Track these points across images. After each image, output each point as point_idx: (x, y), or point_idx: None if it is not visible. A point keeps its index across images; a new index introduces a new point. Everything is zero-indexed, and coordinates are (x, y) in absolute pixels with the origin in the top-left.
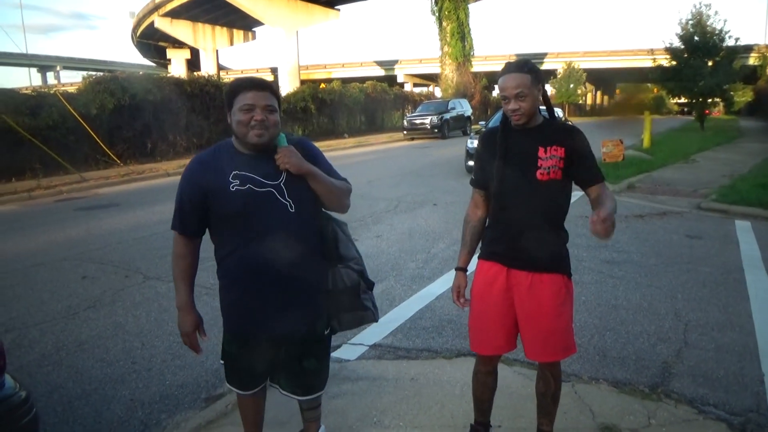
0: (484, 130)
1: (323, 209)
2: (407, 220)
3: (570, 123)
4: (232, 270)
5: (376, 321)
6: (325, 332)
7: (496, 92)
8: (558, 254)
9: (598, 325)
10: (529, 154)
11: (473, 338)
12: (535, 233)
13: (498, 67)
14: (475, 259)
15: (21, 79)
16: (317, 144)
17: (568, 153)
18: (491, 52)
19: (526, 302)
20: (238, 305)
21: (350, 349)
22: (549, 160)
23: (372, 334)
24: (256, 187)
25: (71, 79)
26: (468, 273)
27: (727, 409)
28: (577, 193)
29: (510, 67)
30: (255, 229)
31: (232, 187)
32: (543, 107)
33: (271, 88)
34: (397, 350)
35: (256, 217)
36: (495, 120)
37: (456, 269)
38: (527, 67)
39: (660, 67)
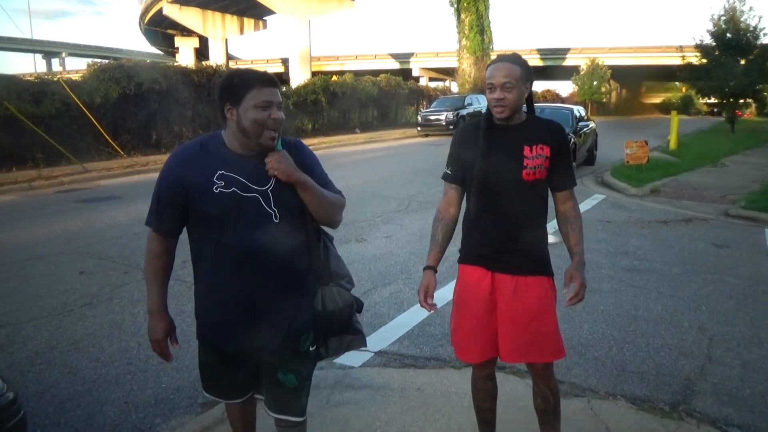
0: (465, 123)
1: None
2: (419, 220)
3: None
4: (206, 276)
5: (365, 346)
6: (310, 348)
7: None
8: (542, 256)
9: (617, 337)
10: (514, 152)
11: (460, 346)
12: (519, 235)
13: None
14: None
15: (25, 65)
16: (328, 138)
17: (554, 152)
18: (511, 46)
19: (511, 306)
20: (211, 314)
21: (354, 355)
22: (535, 159)
23: (378, 340)
24: (242, 191)
25: (77, 66)
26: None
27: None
28: (598, 196)
29: (501, 57)
30: (234, 235)
31: (216, 189)
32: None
33: (278, 83)
34: (404, 358)
35: (237, 224)
36: None
37: (425, 268)
38: (519, 61)
39: (689, 65)
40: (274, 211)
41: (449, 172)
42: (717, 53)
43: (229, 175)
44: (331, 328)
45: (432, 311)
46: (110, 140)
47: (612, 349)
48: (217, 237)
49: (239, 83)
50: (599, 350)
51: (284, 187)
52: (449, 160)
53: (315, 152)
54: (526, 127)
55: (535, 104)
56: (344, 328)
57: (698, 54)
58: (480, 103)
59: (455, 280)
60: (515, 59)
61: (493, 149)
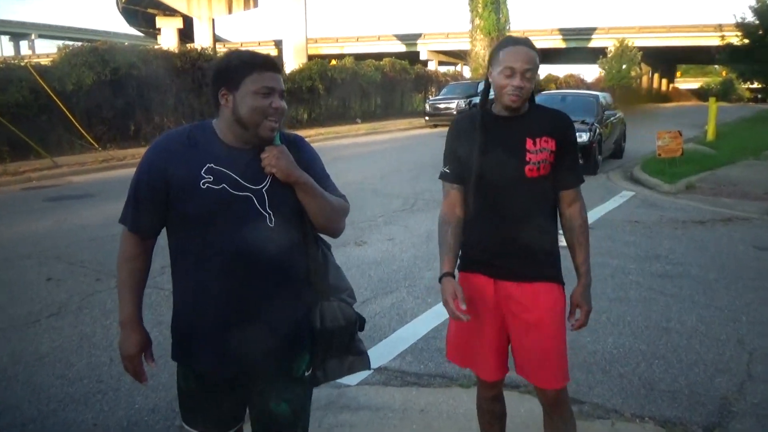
0: (460, 115)
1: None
2: (425, 220)
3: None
4: (186, 287)
5: (369, 369)
6: (305, 374)
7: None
8: (550, 260)
9: (646, 352)
10: (515, 146)
11: (462, 359)
12: (524, 237)
13: (538, 43)
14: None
15: None
16: (325, 130)
17: (559, 145)
18: (531, 25)
19: (519, 317)
20: (190, 334)
21: None
22: (539, 153)
23: (377, 355)
24: (233, 189)
25: (48, 50)
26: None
27: None
28: (626, 194)
29: (517, 40)
30: (222, 239)
31: (203, 183)
32: None
33: (279, 66)
34: (406, 375)
35: (226, 226)
36: None
37: (443, 276)
38: (534, 47)
39: (729, 47)
40: (269, 213)
41: (447, 170)
42: (761, 32)
43: (219, 170)
44: (330, 348)
45: (468, 317)
46: (83, 132)
47: (640, 365)
48: (201, 239)
49: (238, 66)
50: (625, 366)
51: (281, 187)
52: (446, 157)
53: (312, 145)
54: (528, 118)
55: (556, 91)
56: (346, 348)
57: (739, 33)
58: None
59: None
60: (531, 44)
61: (492, 143)
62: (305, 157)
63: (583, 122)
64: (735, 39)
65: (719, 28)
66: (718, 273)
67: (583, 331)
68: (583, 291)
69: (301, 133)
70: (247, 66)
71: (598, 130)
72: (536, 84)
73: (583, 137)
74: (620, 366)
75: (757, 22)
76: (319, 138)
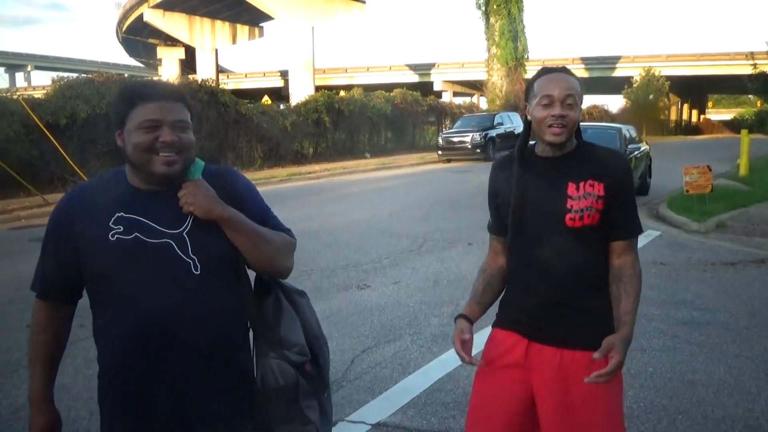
0: (500, 155)
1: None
2: (433, 262)
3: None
4: (108, 354)
5: None
6: None
7: None
8: (599, 324)
9: (668, 406)
10: (555, 191)
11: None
12: (566, 296)
13: None
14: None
15: None
16: (332, 165)
17: (609, 190)
18: (550, 55)
19: (555, 388)
20: (117, 405)
21: (348, 428)
22: (583, 200)
23: (377, 409)
24: (147, 236)
25: (44, 82)
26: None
27: None
28: (652, 233)
29: (556, 69)
30: (141, 295)
31: (112, 235)
32: None
33: (182, 96)
34: (407, 431)
35: (143, 279)
36: None
37: (458, 316)
38: (575, 75)
39: (763, 75)
40: (192, 259)
41: (491, 221)
42: None
43: (130, 218)
44: (271, 413)
45: (471, 362)
46: (76, 168)
47: (662, 421)
48: (117, 299)
49: (119, 100)
50: (647, 423)
51: (206, 227)
52: (489, 204)
53: (317, 181)
54: (573, 158)
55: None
56: (288, 415)
57: None
58: (513, 122)
59: (477, 335)
60: (572, 72)
61: (530, 188)
62: (236, 190)
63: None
64: None
65: (751, 56)
66: (749, 320)
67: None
68: (622, 339)
69: (306, 168)
70: (127, 99)
71: None
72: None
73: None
74: (641, 422)
75: None
76: (325, 174)
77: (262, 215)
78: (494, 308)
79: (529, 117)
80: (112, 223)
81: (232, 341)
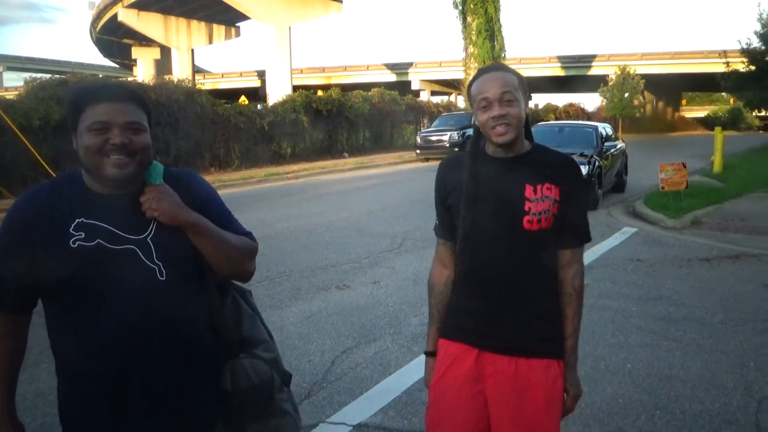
0: (448, 156)
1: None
2: (413, 261)
3: (565, 153)
4: (70, 366)
5: (299, 430)
6: None
7: (533, 103)
8: (553, 329)
9: (647, 402)
10: (512, 193)
11: None
12: (520, 302)
13: (536, 71)
14: None
15: None
16: (310, 165)
17: (564, 195)
18: (527, 53)
19: (510, 399)
20: (83, 421)
21: (329, 429)
22: (540, 202)
23: (358, 410)
24: (110, 243)
25: (16, 83)
26: None
27: None
28: (628, 230)
29: (490, 67)
30: (104, 304)
31: (73, 242)
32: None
33: (135, 96)
34: None
35: (107, 288)
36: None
37: (426, 354)
38: (510, 70)
39: (735, 73)
40: (157, 265)
41: (437, 222)
42: (767, 58)
43: (91, 224)
44: (244, 412)
45: None
46: (50, 170)
47: (640, 417)
48: (79, 309)
49: (71, 102)
50: (625, 419)
51: (170, 233)
52: (436, 207)
53: (295, 181)
54: (528, 160)
55: (554, 122)
56: (265, 410)
57: (745, 60)
58: None
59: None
60: (507, 68)
61: (484, 190)
62: (198, 194)
63: (581, 155)
64: (741, 65)
65: (724, 54)
66: (725, 315)
67: (581, 380)
68: (571, 372)
69: (284, 168)
70: (78, 100)
71: (597, 163)
72: (533, 114)
73: (582, 170)
74: (619, 419)
75: (763, 47)
76: (303, 174)
77: (224, 219)
78: None
79: (476, 122)
80: (73, 230)
81: (200, 346)
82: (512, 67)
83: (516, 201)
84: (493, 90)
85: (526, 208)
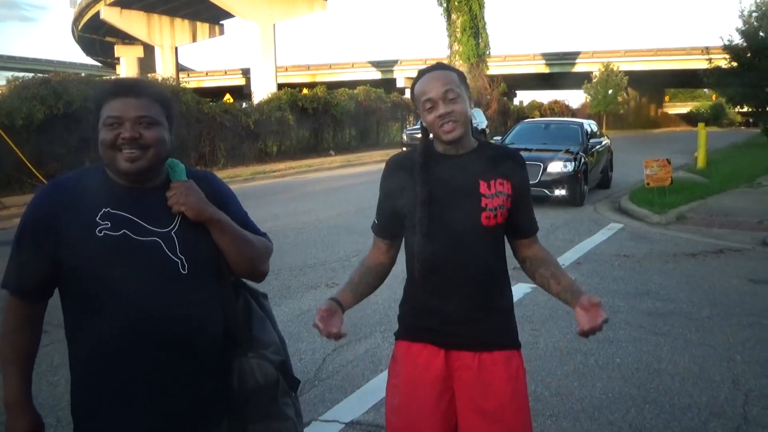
0: (394, 155)
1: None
2: (402, 259)
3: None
4: (87, 357)
5: None
6: None
7: (518, 100)
8: (509, 322)
9: (636, 396)
10: (467, 190)
11: None
12: (481, 298)
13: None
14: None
15: None
16: (296, 163)
17: (516, 189)
18: (511, 51)
19: (475, 393)
20: (97, 411)
21: (321, 427)
22: (495, 198)
23: (350, 408)
24: (135, 234)
25: None
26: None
27: None
28: (614, 226)
29: (430, 68)
30: (126, 294)
31: (99, 231)
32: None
33: (149, 91)
34: (381, 429)
35: (131, 278)
36: (515, 133)
37: (329, 299)
38: (451, 67)
39: (717, 70)
40: (180, 259)
41: (376, 221)
42: (749, 55)
43: (118, 214)
44: (247, 412)
45: (327, 335)
46: (34, 170)
47: (630, 411)
48: (101, 297)
49: (93, 99)
50: (615, 413)
51: (193, 228)
52: (378, 205)
53: (282, 179)
54: (477, 156)
55: (539, 119)
56: (267, 412)
57: (727, 56)
58: (476, 118)
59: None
60: (446, 66)
61: (439, 188)
62: (219, 194)
63: (567, 151)
64: (723, 62)
65: (706, 51)
66: (711, 309)
67: (569, 376)
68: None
69: (271, 167)
70: (97, 98)
71: (583, 160)
72: (519, 111)
73: (568, 167)
74: (609, 413)
75: (745, 44)
76: (290, 172)
77: (242, 219)
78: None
79: (423, 123)
80: (99, 219)
81: (214, 341)
82: (497, 64)
83: (472, 198)
84: (436, 89)
85: (483, 204)
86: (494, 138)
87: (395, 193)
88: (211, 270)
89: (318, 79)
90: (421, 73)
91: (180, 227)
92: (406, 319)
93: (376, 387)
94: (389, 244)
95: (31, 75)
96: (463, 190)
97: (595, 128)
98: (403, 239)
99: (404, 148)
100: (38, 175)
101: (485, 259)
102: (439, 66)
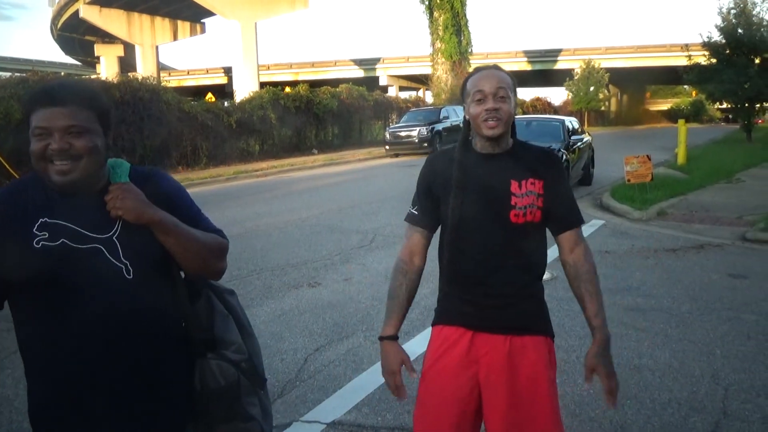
0: (434, 152)
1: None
2: (384, 258)
3: (550, 147)
4: (41, 368)
5: None
6: None
7: None
8: (540, 312)
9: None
10: (498, 189)
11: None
12: (511, 287)
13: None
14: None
15: None
16: (279, 162)
17: (548, 188)
18: (494, 48)
19: (502, 376)
20: (56, 422)
21: (303, 428)
22: (526, 197)
23: (331, 408)
24: (75, 242)
25: None
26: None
27: None
28: (596, 222)
29: (487, 67)
30: (70, 304)
31: (37, 242)
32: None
33: (77, 98)
34: (362, 429)
35: (73, 287)
36: None
37: (381, 339)
38: (505, 71)
39: (697, 66)
40: (124, 264)
41: (415, 212)
42: (728, 52)
43: (55, 223)
44: (213, 414)
45: (403, 400)
46: (11, 170)
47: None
48: (46, 310)
49: (23, 106)
50: (596, 409)
51: (137, 231)
52: (416, 196)
53: (264, 178)
54: (513, 156)
55: (521, 116)
56: (231, 413)
57: (706, 53)
58: (459, 116)
59: (429, 330)
60: (501, 68)
61: (472, 184)
62: (166, 191)
63: (549, 148)
64: (702, 59)
65: (686, 48)
66: (691, 304)
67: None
68: (599, 350)
69: (253, 166)
70: (26, 104)
71: (565, 157)
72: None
73: (562, 158)
74: (590, 409)
75: (724, 41)
76: (272, 171)
77: (193, 217)
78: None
79: (467, 116)
80: (36, 230)
81: (170, 345)
82: (480, 62)
83: (502, 196)
84: (489, 85)
85: (513, 203)
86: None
87: (434, 182)
88: (160, 272)
89: (300, 78)
90: (478, 69)
91: (122, 231)
92: (442, 304)
93: (358, 387)
94: (424, 235)
95: (8, 74)
96: (494, 188)
97: (576, 125)
98: (440, 230)
99: (387, 147)
100: (16, 174)
101: (515, 254)
102: (496, 67)
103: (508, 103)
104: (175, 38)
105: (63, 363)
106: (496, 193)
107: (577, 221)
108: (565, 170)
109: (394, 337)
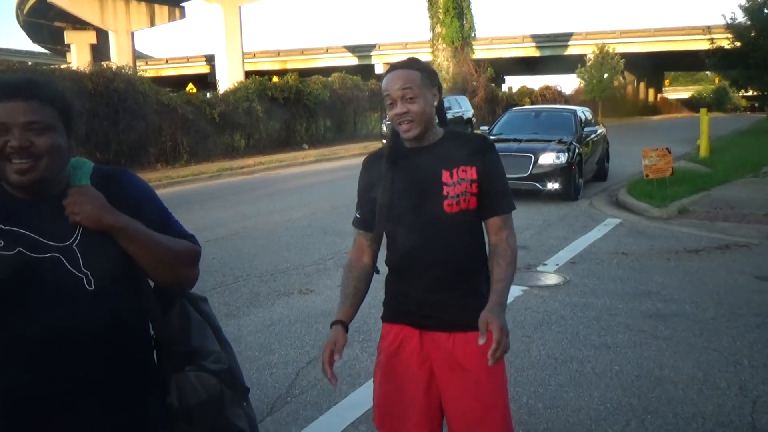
0: (371, 152)
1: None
2: (381, 261)
3: (479, 133)
4: (3, 385)
5: None
6: None
7: (506, 86)
8: (484, 303)
9: (637, 406)
10: (429, 180)
11: (391, 425)
12: (452, 281)
13: (509, 52)
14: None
15: None
16: (267, 158)
17: (481, 173)
18: (499, 33)
19: (451, 373)
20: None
21: None
22: (458, 185)
23: (325, 426)
24: (32, 251)
25: None
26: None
27: None
28: (611, 221)
29: (396, 65)
30: (29, 315)
31: None
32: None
33: (40, 93)
34: None
35: (31, 298)
36: (503, 123)
37: (333, 323)
38: (417, 65)
39: (720, 51)
40: (85, 274)
41: (358, 215)
42: (753, 34)
43: (11, 231)
44: (195, 429)
45: (333, 382)
46: None
47: (630, 423)
48: (5, 321)
49: None
50: (615, 424)
51: (98, 238)
52: (358, 200)
53: (251, 176)
54: (442, 147)
55: (529, 106)
56: (217, 427)
57: (730, 36)
58: (461, 107)
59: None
60: (412, 63)
61: (404, 180)
62: (131, 194)
63: (560, 141)
64: (726, 42)
65: (708, 30)
66: (716, 310)
67: (564, 386)
68: (492, 307)
69: (239, 162)
70: None
71: (577, 150)
72: (508, 98)
73: (561, 158)
74: (608, 425)
75: (749, 22)
76: (259, 168)
77: (162, 221)
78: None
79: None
80: None
81: (138, 359)
82: (483, 47)
83: (434, 187)
84: (395, 88)
85: (444, 193)
86: (480, 128)
87: (371, 186)
88: (124, 282)
89: (289, 66)
90: (389, 69)
91: (82, 239)
92: (388, 302)
93: (355, 403)
94: (368, 237)
95: None
96: (426, 181)
97: (589, 116)
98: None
99: (384, 141)
100: None
101: (453, 245)
102: (403, 64)
103: (417, 103)
104: (152, 24)
105: (21, 375)
106: (427, 185)
107: (507, 207)
108: (498, 155)
109: (340, 322)
